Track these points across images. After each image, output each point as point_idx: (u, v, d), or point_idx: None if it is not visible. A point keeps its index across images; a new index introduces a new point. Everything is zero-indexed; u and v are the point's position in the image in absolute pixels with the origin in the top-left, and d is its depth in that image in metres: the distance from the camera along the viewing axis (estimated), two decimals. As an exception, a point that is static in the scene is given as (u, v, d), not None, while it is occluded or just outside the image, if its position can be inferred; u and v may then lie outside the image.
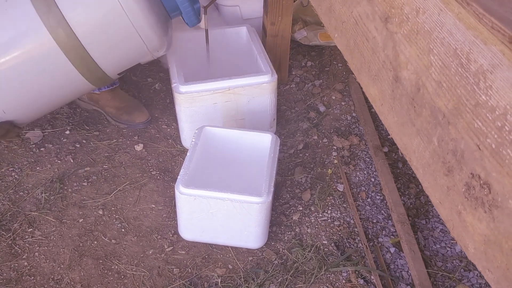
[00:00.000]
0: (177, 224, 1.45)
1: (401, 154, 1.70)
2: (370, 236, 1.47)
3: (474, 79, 0.56)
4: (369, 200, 1.58)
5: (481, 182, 0.56)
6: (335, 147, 1.74)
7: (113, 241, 1.44)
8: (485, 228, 0.56)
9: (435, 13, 0.62)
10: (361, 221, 1.51)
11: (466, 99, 0.57)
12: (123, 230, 1.47)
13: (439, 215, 1.53)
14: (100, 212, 1.51)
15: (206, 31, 1.70)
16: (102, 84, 1.45)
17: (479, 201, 0.56)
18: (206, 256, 1.41)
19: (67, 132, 1.76)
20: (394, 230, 1.48)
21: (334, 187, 1.61)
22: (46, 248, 1.41)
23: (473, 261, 0.59)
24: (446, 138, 0.62)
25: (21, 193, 1.54)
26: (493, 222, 0.54)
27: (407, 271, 1.39)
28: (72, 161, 1.65)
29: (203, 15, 1.64)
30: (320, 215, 1.53)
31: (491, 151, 0.53)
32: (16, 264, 1.36)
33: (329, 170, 1.67)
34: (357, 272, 1.38)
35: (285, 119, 1.86)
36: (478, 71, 0.55)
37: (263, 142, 1.49)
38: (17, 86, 1.29)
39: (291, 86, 2.00)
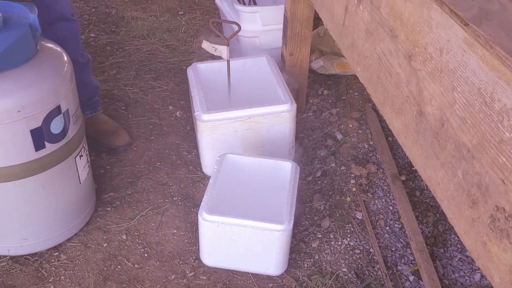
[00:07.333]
0: (198, 249, 1.48)
1: (425, 185, 1.72)
2: (389, 264, 1.49)
3: (498, 117, 0.59)
4: (387, 228, 1.60)
5: (506, 214, 0.58)
6: (353, 175, 1.77)
7: (136, 265, 1.47)
8: (511, 259, 0.58)
9: (459, 53, 0.66)
10: (380, 249, 1.52)
11: (490, 136, 0.61)
12: (146, 255, 1.50)
13: (457, 244, 1.54)
14: (124, 236, 1.54)
15: (228, 62, 1.75)
16: None
17: (504, 233, 0.59)
18: (227, 282, 1.43)
19: (92, 157, 1.81)
20: (413, 258, 1.50)
21: (352, 214, 1.63)
22: (71, 272, 1.44)
23: (499, 290, 0.62)
24: (471, 171, 0.65)
25: (47, 218, 1.58)
26: (519, 253, 0.57)
27: (427, 300, 1.39)
28: (96, 186, 1.70)
29: (226, 47, 1.70)
30: (339, 242, 1.55)
31: (516, 186, 0.56)
32: (43, 287, 1.40)
33: (348, 197, 1.69)
34: (376, 300, 1.39)
35: (303, 146, 1.89)
36: (502, 109, 0.58)
37: (283, 170, 1.52)
38: None
39: (309, 114, 2.04)
